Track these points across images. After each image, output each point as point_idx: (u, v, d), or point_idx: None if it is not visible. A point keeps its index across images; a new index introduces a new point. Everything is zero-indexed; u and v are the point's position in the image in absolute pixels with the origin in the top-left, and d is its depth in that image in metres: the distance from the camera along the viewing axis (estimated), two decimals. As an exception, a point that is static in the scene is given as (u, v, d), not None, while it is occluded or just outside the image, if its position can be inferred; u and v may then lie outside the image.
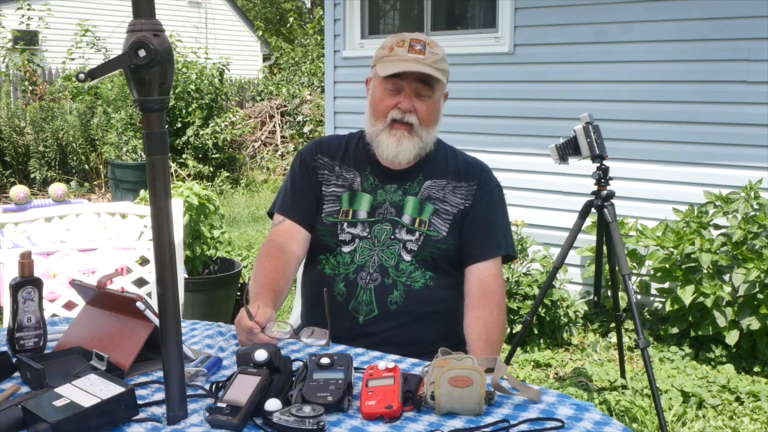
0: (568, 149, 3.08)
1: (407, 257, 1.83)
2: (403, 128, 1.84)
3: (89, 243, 2.34)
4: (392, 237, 1.85)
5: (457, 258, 1.89)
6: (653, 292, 4.07)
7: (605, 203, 3.02)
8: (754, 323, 3.42)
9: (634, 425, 2.98)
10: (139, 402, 1.27)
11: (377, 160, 1.93)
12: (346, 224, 1.88)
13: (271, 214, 2.01)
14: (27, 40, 11.82)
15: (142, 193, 4.31)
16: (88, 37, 10.16)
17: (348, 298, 1.82)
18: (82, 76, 1.13)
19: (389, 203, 1.89)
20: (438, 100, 1.89)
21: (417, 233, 1.85)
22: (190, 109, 8.89)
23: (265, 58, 16.78)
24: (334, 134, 2.08)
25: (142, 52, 1.14)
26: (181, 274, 3.22)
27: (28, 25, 10.62)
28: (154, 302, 1.97)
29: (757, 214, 3.57)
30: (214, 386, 1.36)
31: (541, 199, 4.59)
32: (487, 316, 1.82)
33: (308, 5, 23.50)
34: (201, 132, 8.87)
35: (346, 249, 1.86)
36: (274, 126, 10.57)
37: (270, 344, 1.43)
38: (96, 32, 10.34)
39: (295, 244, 1.90)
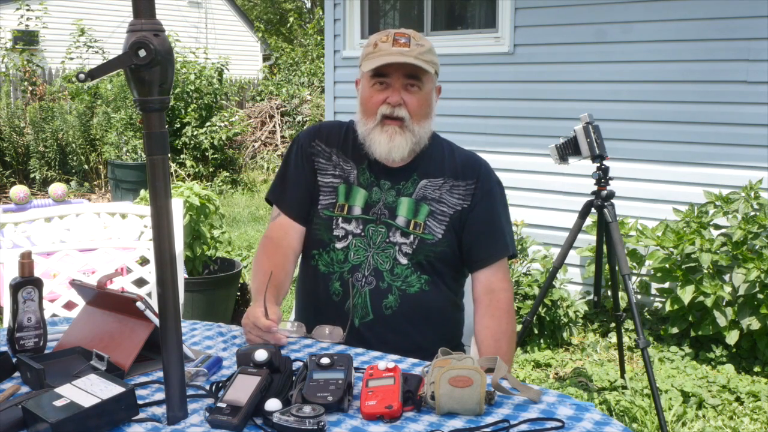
0: (568, 149, 3.08)
1: (403, 260, 1.80)
2: (395, 123, 1.79)
3: (89, 243, 2.34)
4: (387, 240, 1.81)
5: (455, 260, 1.86)
6: (653, 292, 4.07)
7: (605, 203, 3.02)
8: (754, 323, 3.42)
9: (634, 425, 2.98)
10: (139, 402, 1.27)
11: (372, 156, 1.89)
12: (341, 219, 1.84)
13: (270, 201, 1.99)
14: (26, 40, 11.83)
15: (142, 193, 4.31)
16: (85, 37, 10.15)
17: (343, 298, 1.80)
18: (82, 76, 1.13)
19: (383, 204, 1.84)
20: (429, 93, 1.83)
21: (411, 236, 1.80)
22: (189, 110, 8.90)
23: (265, 58, 16.79)
24: (335, 120, 2.02)
25: (142, 52, 1.14)
26: (181, 274, 3.22)
27: (27, 25, 10.62)
28: (154, 302, 1.97)
29: (757, 214, 3.57)
30: (214, 386, 1.37)
31: (541, 199, 4.59)
32: (496, 326, 1.81)
33: (308, 5, 23.50)
34: (197, 132, 8.87)
35: (339, 245, 1.82)
36: (274, 126, 10.57)
37: (270, 344, 1.44)
38: (93, 33, 10.34)
39: (291, 238, 1.89)
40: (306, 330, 1.69)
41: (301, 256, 1.94)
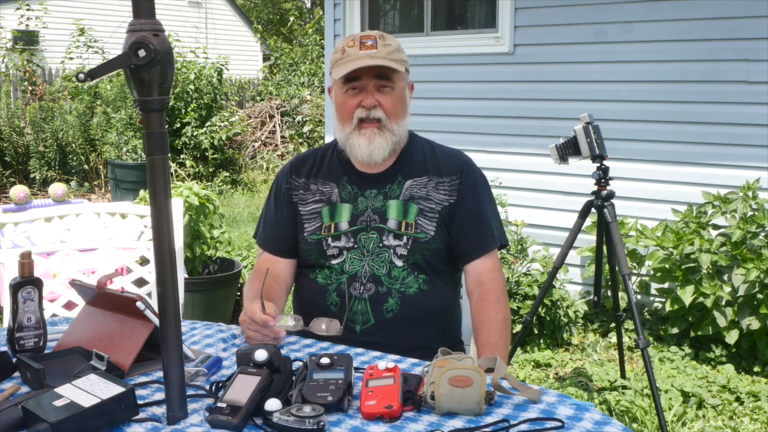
0: (568, 149, 3.08)
1: (399, 263, 1.81)
2: (372, 125, 1.81)
3: (89, 243, 2.34)
4: (380, 245, 1.82)
5: (449, 255, 1.87)
6: (653, 292, 4.07)
7: (605, 203, 3.02)
8: (754, 323, 3.42)
9: (634, 425, 2.98)
10: (139, 402, 1.27)
11: (353, 167, 1.90)
12: (330, 239, 1.86)
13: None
14: (26, 40, 11.83)
15: (142, 193, 4.31)
16: (85, 37, 10.15)
17: (342, 308, 1.81)
18: (81, 76, 1.13)
19: (371, 210, 1.86)
20: (402, 91, 1.85)
21: (405, 237, 1.82)
22: (188, 110, 8.90)
23: (265, 58, 16.78)
24: (311, 150, 2.06)
25: (141, 52, 1.14)
26: (181, 274, 3.22)
27: (27, 25, 10.62)
28: (154, 302, 1.97)
29: (756, 213, 3.57)
30: (214, 386, 1.37)
31: (541, 199, 4.59)
32: (485, 316, 1.83)
33: (308, 5, 23.50)
34: (196, 132, 8.87)
35: (335, 261, 1.85)
36: (274, 126, 10.56)
37: (270, 344, 1.44)
38: (93, 33, 10.34)
39: (279, 269, 1.92)
40: (304, 323, 1.69)
41: (297, 274, 1.96)
